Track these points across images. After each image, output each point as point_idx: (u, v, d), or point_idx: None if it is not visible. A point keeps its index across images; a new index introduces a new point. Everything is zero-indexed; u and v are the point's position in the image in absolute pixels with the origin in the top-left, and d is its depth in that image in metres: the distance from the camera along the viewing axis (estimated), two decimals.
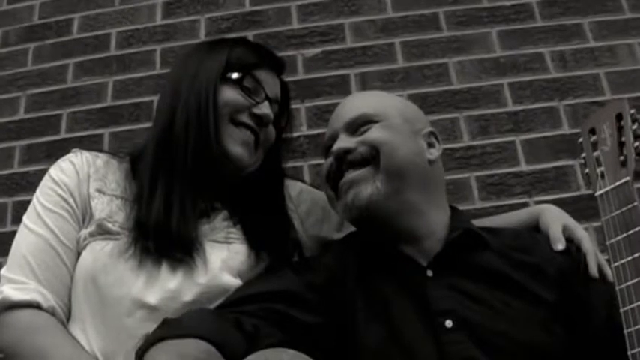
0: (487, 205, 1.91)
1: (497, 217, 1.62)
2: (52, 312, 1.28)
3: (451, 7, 2.20)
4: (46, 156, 2.07)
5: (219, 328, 1.13)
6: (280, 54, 1.62)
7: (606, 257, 1.22)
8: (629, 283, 1.09)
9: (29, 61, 2.26)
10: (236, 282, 1.32)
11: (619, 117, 1.26)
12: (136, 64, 2.21)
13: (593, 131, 1.30)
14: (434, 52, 2.14)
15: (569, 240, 1.37)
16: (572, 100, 2.04)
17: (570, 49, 2.11)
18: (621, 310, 1.08)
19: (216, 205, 1.43)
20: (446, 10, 2.19)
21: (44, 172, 1.45)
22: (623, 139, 1.23)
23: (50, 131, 2.13)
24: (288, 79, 1.61)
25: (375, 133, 1.37)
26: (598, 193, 1.22)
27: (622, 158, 1.21)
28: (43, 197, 1.39)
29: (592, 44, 2.11)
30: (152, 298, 1.27)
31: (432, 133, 1.44)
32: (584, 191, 1.87)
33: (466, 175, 1.96)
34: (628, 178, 1.18)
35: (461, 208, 1.54)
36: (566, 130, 2.00)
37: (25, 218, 1.39)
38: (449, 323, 1.21)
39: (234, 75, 1.42)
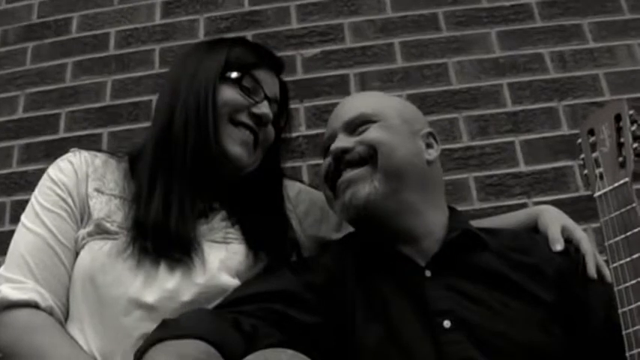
0: (486, 205, 1.91)
1: (496, 217, 1.63)
2: (50, 312, 1.28)
3: (450, 8, 2.20)
4: (44, 155, 2.07)
5: (218, 329, 1.13)
6: (279, 54, 1.62)
7: (605, 258, 1.22)
8: (627, 284, 1.08)
9: (28, 60, 2.26)
10: (234, 282, 1.32)
11: (618, 118, 1.26)
12: (135, 63, 2.21)
13: (592, 132, 1.30)
14: (433, 52, 2.14)
15: (568, 241, 1.37)
16: (571, 101, 2.04)
17: (570, 50, 2.11)
18: (620, 311, 1.08)
19: (215, 205, 1.43)
20: (445, 10, 2.19)
21: (43, 171, 1.45)
22: (622, 140, 1.23)
23: (49, 130, 2.13)
24: (287, 79, 1.61)
25: (373, 133, 1.37)
26: (597, 194, 1.22)
27: (621, 159, 1.21)
28: (41, 196, 1.39)
29: (591, 45, 2.11)
30: (150, 297, 1.26)
31: (430, 134, 1.44)
32: (583, 192, 1.87)
33: (465, 176, 1.96)
34: (627, 179, 1.18)
35: (459, 208, 1.54)
36: (565, 130, 2.00)
37: (23, 217, 1.39)
38: (447, 323, 1.21)
39: (234, 74, 1.42)
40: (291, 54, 2.15)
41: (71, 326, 1.30)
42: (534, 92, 2.06)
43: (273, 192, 1.53)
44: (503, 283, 1.27)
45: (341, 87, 2.10)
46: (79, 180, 1.39)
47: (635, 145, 1.21)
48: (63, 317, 1.31)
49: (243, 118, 1.41)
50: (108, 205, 1.37)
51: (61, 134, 2.13)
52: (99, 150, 1.57)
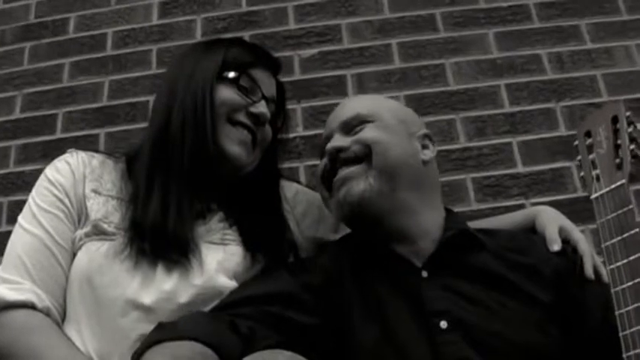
0: (483, 206, 1.91)
1: (494, 218, 1.63)
2: (46, 312, 1.28)
3: (448, 8, 2.20)
4: (41, 156, 2.07)
5: (215, 331, 1.13)
6: (277, 54, 1.62)
7: (602, 260, 1.22)
8: (624, 286, 1.09)
9: (25, 61, 2.25)
10: (232, 284, 1.32)
11: (615, 119, 1.26)
12: (132, 63, 2.20)
13: (588, 134, 1.30)
14: (431, 53, 2.14)
15: (566, 241, 1.37)
16: (569, 102, 2.04)
17: (567, 51, 2.11)
18: (617, 313, 1.08)
19: (212, 206, 1.43)
20: (443, 10, 2.19)
21: (40, 171, 1.45)
22: (618, 141, 1.23)
23: (46, 131, 2.13)
24: (284, 79, 1.61)
25: (368, 132, 1.38)
26: (594, 195, 1.22)
27: (618, 161, 1.21)
28: (38, 197, 1.39)
29: (589, 46, 2.11)
30: (147, 299, 1.26)
31: (426, 136, 1.45)
32: (580, 193, 1.87)
33: (462, 177, 1.96)
34: (624, 181, 1.18)
35: (457, 209, 1.54)
36: (563, 131, 2.00)
37: (20, 218, 1.38)
38: (443, 324, 1.21)
39: (231, 74, 1.42)
40: (289, 54, 2.15)
41: (68, 327, 1.30)
42: (532, 93, 2.06)
43: (270, 193, 1.53)
44: (500, 284, 1.27)
45: (338, 88, 2.10)
46: (77, 181, 1.39)
47: (632, 146, 1.21)
48: (60, 318, 1.31)
49: (241, 117, 1.41)
50: (105, 205, 1.37)
51: (59, 134, 2.12)
52: (96, 150, 1.57)
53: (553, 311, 1.25)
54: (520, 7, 2.18)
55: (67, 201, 1.37)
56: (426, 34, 2.16)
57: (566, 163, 1.94)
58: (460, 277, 1.28)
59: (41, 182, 1.41)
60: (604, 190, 1.20)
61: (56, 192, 1.38)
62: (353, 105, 1.47)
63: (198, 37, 2.22)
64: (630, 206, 1.15)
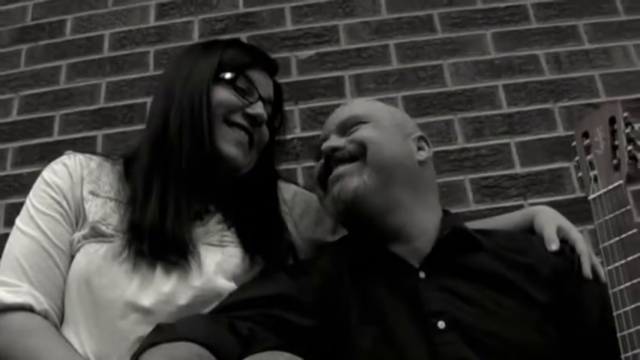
0: (481, 207, 1.91)
1: (492, 219, 1.62)
2: (44, 315, 1.28)
3: (445, 9, 2.20)
4: (39, 158, 2.06)
5: (214, 332, 1.13)
6: (274, 55, 1.62)
7: (599, 260, 1.22)
8: (622, 286, 1.09)
9: (22, 63, 2.25)
10: (230, 285, 1.32)
11: (612, 120, 1.26)
12: (130, 65, 2.20)
13: (586, 135, 1.31)
14: (428, 53, 2.13)
15: (564, 241, 1.37)
16: (567, 102, 2.04)
17: (565, 51, 2.11)
18: (614, 313, 1.08)
19: (210, 207, 1.43)
20: (440, 11, 2.19)
21: (37, 174, 1.45)
22: (616, 142, 1.23)
23: (43, 133, 2.12)
24: (281, 80, 1.61)
25: (363, 132, 1.39)
26: (591, 196, 1.22)
27: (615, 162, 1.21)
28: (35, 199, 1.38)
29: (587, 46, 2.11)
30: (146, 301, 1.26)
31: (422, 137, 1.46)
32: (578, 194, 1.87)
33: (460, 178, 1.95)
34: (621, 182, 1.18)
35: (455, 210, 1.54)
36: (561, 132, 2.00)
37: (17, 220, 1.38)
38: (441, 324, 1.21)
39: (227, 75, 1.42)
40: (286, 56, 2.14)
41: (66, 329, 1.30)
42: (530, 94, 2.06)
43: (268, 194, 1.53)
44: (498, 283, 1.27)
45: (336, 89, 2.10)
46: (74, 183, 1.39)
47: (630, 147, 1.21)
48: (58, 320, 1.31)
49: (238, 118, 1.41)
50: (103, 207, 1.37)
51: (56, 137, 2.12)
52: (93, 152, 1.56)
53: (551, 311, 1.25)
54: (517, 7, 2.18)
55: (64, 203, 1.37)
56: (423, 34, 2.16)
57: (564, 164, 1.94)
58: (457, 277, 1.28)
59: (39, 184, 1.41)
60: (602, 191, 1.21)
61: (54, 194, 1.37)
62: (349, 107, 1.48)
63: (196, 38, 2.21)
64: (628, 207, 1.15)
